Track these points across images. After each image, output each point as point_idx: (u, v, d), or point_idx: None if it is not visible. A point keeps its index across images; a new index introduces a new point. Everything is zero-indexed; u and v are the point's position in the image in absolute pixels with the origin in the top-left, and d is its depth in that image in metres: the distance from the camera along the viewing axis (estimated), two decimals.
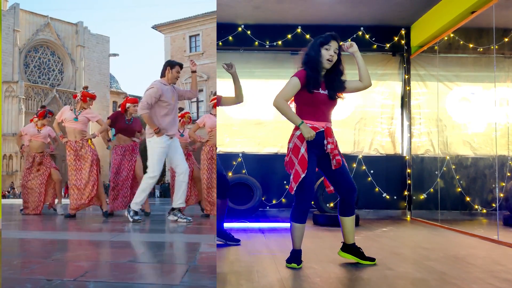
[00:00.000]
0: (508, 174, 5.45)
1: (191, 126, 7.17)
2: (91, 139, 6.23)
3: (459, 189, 6.11)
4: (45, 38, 39.60)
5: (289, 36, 6.96)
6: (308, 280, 2.71)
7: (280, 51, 7.04)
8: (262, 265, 3.15)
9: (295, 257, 3.11)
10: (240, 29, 6.95)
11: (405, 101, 7.09)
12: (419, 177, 6.81)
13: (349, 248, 3.28)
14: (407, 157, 7.00)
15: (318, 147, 3.11)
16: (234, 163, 6.90)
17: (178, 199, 5.24)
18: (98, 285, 2.08)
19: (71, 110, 6.18)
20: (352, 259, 3.25)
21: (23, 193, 7.15)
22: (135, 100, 6.59)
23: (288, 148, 3.16)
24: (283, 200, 6.87)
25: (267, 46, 6.97)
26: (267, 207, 6.88)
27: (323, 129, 3.13)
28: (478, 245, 4.30)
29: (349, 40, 3.23)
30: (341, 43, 3.24)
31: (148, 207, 6.65)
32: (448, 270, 3.03)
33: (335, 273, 2.93)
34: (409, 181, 6.90)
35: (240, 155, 6.89)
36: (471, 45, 5.99)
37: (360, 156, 6.95)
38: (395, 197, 6.89)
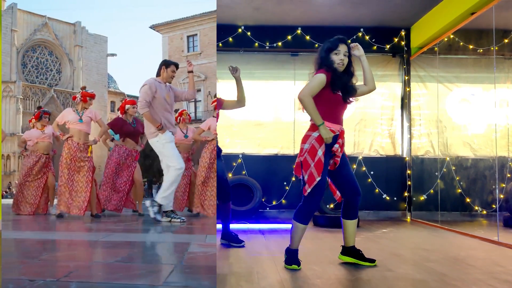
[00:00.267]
0: (508, 175, 5.45)
1: (190, 124, 7.20)
2: (91, 146, 6.23)
3: (459, 190, 6.12)
4: (43, 38, 39.57)
5: (289, 37, 6.96)
6: (308, 281, 2.71)
7: (280, 52, 7.05)
8: (262, 266, 3.15)
9: (294, 258, 3.10)
10: (240, 30, 6.95)
11: (405, 102, 7.09)
12: (419, 178, 6.81)
13: (348, 250, 3.27)
14: (407, 158, 7.00)
15: (331, 150, 3.12)
16: (234, 164, 6.90)
17: (166, 198, 5.19)
18: (80, 285, 2.07)
19: (74, 111, 6.18)
20: (352, 261, 3.25)
21: (18, 192, 7.08)
22: (133, 101, 6.59)
23: (303, 149, 3.10)
24: (283, 201, 6.87)
25: (267, 47, 6.97)
26: (267, 208, 6.88)
27: (338, 133, 3.14)
28: (478, 246, 4.30)
29: (349, 41, 3.22)
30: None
31: (141, 208, 6.66)
32: (448, 271, 3.03)
33: (335, 274, 2.93)
34: (409, 182, 6.90)
35: (240, 156, 6.89)
36: (471, 46, 6.00)
37: (360, 157, 6.95)
38: (395, 198, 6.89)
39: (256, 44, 6.95)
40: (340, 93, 3.15)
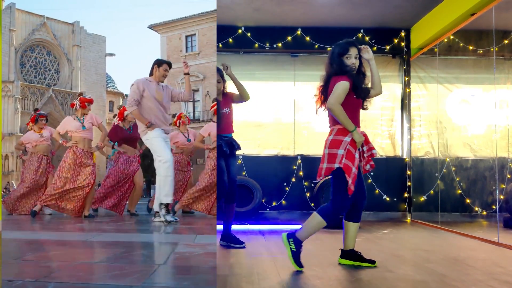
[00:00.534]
0: (508, 176, 5.45)
1: (189, 126, 7.23)
2: (94, 152, 6.27)
3: (459, 191, 6.12)
4: (41, 37, 39.53)
5: (289, 38, 6.96)
6: (309, 282, 2.71)
7: (280, 53, 7.05)
8: (262, 267, 3.15)
9: (299, 249, 3.12)
10: (240, 31, 6.95)
11: (405, 103, 7.09)
12: (419, 179, 6.81)
13: (348, 254, 3.27)
14: (407, 159, 7.00)
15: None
16: None
17: (167, 194, 5.16)
18: (57, 285, 2.06)
19: (75, 119, 6.19)
20: (352, 263, 3.25)
21: (21, 193, 7.07)
22: None
23: (335, 154, 3.12)
24: (283, 202, 6.87)
25: (267, 48, 6.98)
26: (267, 209, 6.87)
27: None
28: (478, 247, 4.30)
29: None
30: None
31: (134, 208, 6.68)
32: (448, 272, 3.03)
33: (335, 275, 2.93)
34: (409, 183, 6.90)
35: (240, 157, 6.89)
36: (471, 47, 6.00)
37: None
38: (395, 199, 6.89)
39: (256, 45, 6.95)
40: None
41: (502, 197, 5.28)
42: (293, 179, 6.88)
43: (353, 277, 2.87)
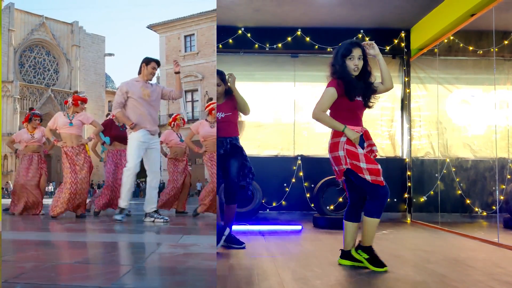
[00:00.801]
0: (508, 176, 5.45)
1: (187, 124, 7.23)
2: (87, 144, 6.27)
3: (459, 192, 6.11)
4: (40, 37, 39.50)
5: (289, 38, 6.96)
6: (309, 283, 2.70)
7: (280, 53, 7.05)
8: (262, 268, 3.15)
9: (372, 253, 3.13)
10: (240, 31, 6.95)
11: (405, 103, 7.09)
12: (419, 179, 6.81)
13: (348, 254, 3.25)
14: (407, 160, 7.00)
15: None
16: None
17: (151, 204, 5.35)
18: (25, 286, 2.06)
19: (65, 115, 6.20)
20: (352, 264, 3.23)
21: (17, 193, 7.05)
22: None
23: (338, 157, 3.12)
24: (283, 202, 6.86)
25: (267, 49, 6.97)
26: (267, 210, 6.87)
27: (362, 133, 3.20)
28: (479, 248, 4.30)
29: (366, 39, 3.24)
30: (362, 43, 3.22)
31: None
32: (448, 273, 3.02)
33: (335, 275, 2.93)
34: (409, 184, 6.90)
35: None
36: (471, 48, 6.00)
37: None
38: (395, 200, 6.89)
39: (256, 45, 6.95)
40: (360, 98, 3.16)
41: (502, 197, 5.28)
42: (293, 180, 6.87)
43: (353, 278, 2.87)
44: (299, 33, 6.97)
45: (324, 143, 3.68)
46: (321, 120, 3.15)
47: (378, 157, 7.47)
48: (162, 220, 5.21)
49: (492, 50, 4.91)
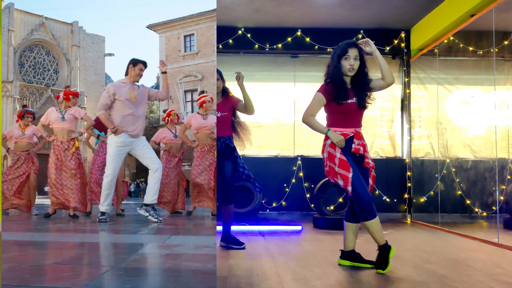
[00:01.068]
0: (508, 177, 5.45)
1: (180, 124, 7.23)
2: (77, 139, 6.27)
3: (459, 192, 6.11)
4: (40, 37, 39.47)
5: (289, 39, 6.97)
6: (308, 283, 2.70)
7: (280, 54, 7.05)
8: (262, 268, 3.15)
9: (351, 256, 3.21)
10: (240, 32, 6.95)
11: (405, 104, 7.09)
12: (419, 180, 6.81)
13: (348, 255, 3.27)
14: (407, 160, 7.00)
15: (350, 152, 3.14)
16: None
17: (152, 195, 5.34)
18: None
19: (57, 110, 6.23)
20: (352, 264, 3.24)
21: (4, 193, 7.01)
22: None
23: (324, 158, 3.22)
24: (283, 203, 6.86)
25: (267, 49, 6.98)
26: (267, 210, 6.87)
27: (353, 134, 3.16)
28: (479, 248, 4.29)
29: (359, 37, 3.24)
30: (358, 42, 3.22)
31: (118, 208, 6.70)
32: (448, 273, 3.02)
33: (335, 276, 2.93)
34: (409, 184, 6.90)
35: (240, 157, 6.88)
36: (471, 48, 6.00)
37: None
38: (395, 200, 6.88)
39: (256, 46, 6.96)
40: (354, 100, 3.14)
41: (502, 198, 5.28)
42: (293, 180, 6.87)
43: (353, 278, 2.87)
44: (299, 33, 6.97)
45: None
46: (308, 124, 3.23)
47: (378, 157, 7.49)
48: (156, 220, 5.20)
49: (492, 50, 4.91)
